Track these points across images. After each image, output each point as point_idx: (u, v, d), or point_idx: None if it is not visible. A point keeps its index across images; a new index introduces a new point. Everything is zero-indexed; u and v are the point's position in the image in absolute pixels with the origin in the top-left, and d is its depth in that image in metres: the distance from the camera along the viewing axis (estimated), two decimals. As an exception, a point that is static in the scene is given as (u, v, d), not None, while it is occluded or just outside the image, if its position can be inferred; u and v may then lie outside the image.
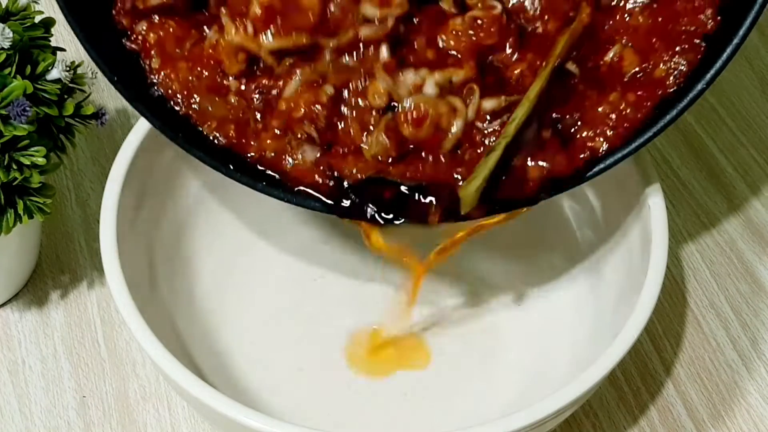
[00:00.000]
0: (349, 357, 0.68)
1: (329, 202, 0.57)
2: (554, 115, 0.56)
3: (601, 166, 0.57)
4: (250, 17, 0.55)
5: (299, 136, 0.56)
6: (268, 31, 0.55)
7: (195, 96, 0.58)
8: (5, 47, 0.59)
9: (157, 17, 0.58)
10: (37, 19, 0.63)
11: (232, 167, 0.58)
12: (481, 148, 0.56)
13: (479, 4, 0.56)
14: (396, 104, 0.56)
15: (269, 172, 0.58)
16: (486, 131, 0.56)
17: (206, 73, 0.58)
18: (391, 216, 0.56)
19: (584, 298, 0.67)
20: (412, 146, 0.56)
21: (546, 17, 0.56)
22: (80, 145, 0.77)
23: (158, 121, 0.58)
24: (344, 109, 0.57)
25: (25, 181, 0.60)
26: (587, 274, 0.68)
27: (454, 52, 0.56)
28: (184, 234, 0.68)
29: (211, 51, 0.57)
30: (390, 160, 0.56)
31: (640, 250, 0.61)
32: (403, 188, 0.56)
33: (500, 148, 0.54)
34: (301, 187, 0.57)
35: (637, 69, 0.56)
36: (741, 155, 0.79)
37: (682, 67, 0.56)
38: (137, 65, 0.58)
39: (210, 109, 0.58)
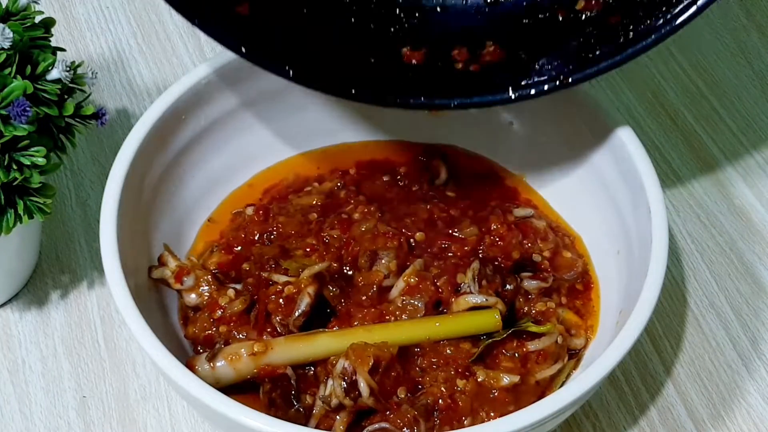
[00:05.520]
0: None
1: None
2: None
3: None
4: None
5: None
6: None
7: None
8: (5, 47, 0.59)
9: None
10: (37, 19, 0.63)
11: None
12: None
13: None
14: None
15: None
16: None
17: None
18: None
19: (584, 298, 0.67)
20: None
21: None
22: (80, 145, 0.77)
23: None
24: None
25: (25, 181, 0.60)
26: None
27: None
28: (184, 233, 0.68)
29: None
30: None
31: (640, 250, 0.61)
32: None
33: None
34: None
35: None
36: (741, 155, 0.79)
37: None
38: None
39: None
